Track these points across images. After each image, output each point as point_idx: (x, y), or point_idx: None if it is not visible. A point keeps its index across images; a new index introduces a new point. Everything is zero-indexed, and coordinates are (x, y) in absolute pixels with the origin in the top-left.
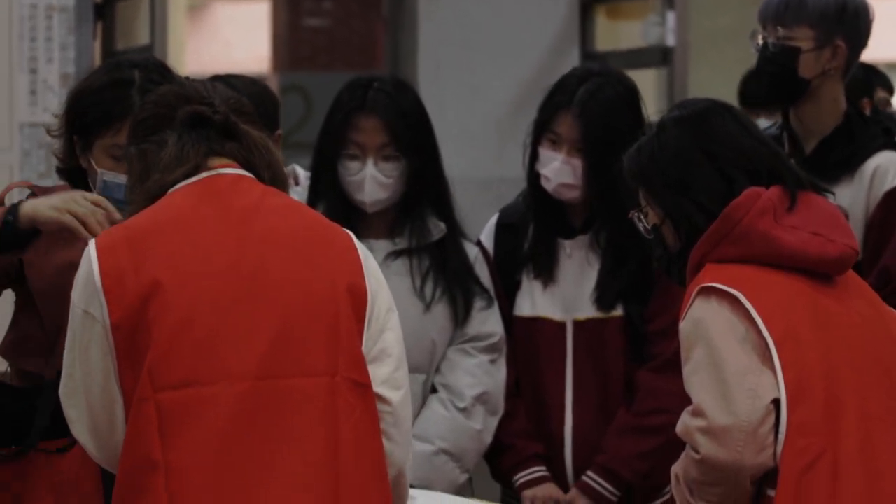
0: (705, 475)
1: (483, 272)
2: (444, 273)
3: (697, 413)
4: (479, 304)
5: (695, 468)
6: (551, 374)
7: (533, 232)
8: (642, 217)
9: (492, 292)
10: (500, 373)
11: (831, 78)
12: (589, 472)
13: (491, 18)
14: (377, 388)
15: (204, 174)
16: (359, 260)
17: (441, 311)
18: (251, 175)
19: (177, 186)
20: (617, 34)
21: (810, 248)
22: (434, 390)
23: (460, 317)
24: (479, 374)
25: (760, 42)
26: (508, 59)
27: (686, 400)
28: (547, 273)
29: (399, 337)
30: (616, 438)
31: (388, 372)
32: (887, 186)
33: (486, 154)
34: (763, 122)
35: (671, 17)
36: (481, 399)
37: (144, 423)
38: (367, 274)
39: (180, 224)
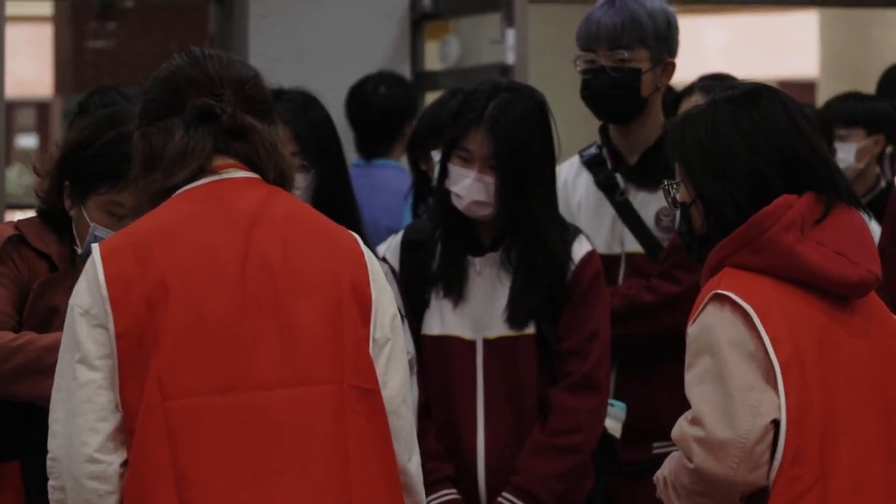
0: (696, 485)
1: (392, 290)
2: None
3: (696, 422)
4: None
5: (686, 476)
6: (462, 393)
7: (441, 249)
8: (673, 189)
9: (401, 310)
10: (413, 392)
11: (659, 92)
12: (504, 493)
13: (322, 35)
14: None
15: (209, 178)
16: (364, 263)
17: None
18: (257, 176)
19: (180, 190)
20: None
21: (832, 269)
22: None
23: None
24: None
25: (586, 65)
26: (340, 76)
27: (598, 419)
28: (457, 291)
29: (402, 345)
30: (531, 458)
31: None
32: None
33: None
34: None
35: (511, 34)
36: None
37: (153, 432)
38: (372, 278)
39: (184, 228)
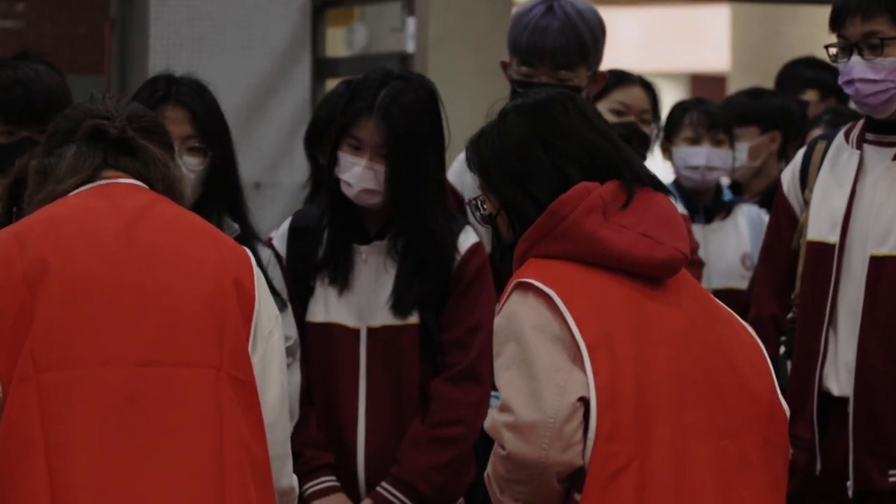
0: (511, 472)
1: (276, 275)
2: None
3: (505, 409)
4: None
5: (501, 464)
6: (344, 381)
7: (328, 237)
8: (480, 205)
9: (285, 296)
10: (295, 377)
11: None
12: (384, 484)
13: (223, 21)
14: None
15: (99, 182)
16: (251, 268)
17: None
18: (145, 186)
19: (71, 194)
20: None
21: (636, 251)
22: None
23: None
24: None
25: (522, 77)
26: (240, 63)
27: (480, 411)
28: (342, 279)
29: (280, 363)
30: (411, 449)
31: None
32: None
33: None
34: None
35: (411, 23)
36: None
37: (24, 404)
38: (257, 287)
39: (69, 216)
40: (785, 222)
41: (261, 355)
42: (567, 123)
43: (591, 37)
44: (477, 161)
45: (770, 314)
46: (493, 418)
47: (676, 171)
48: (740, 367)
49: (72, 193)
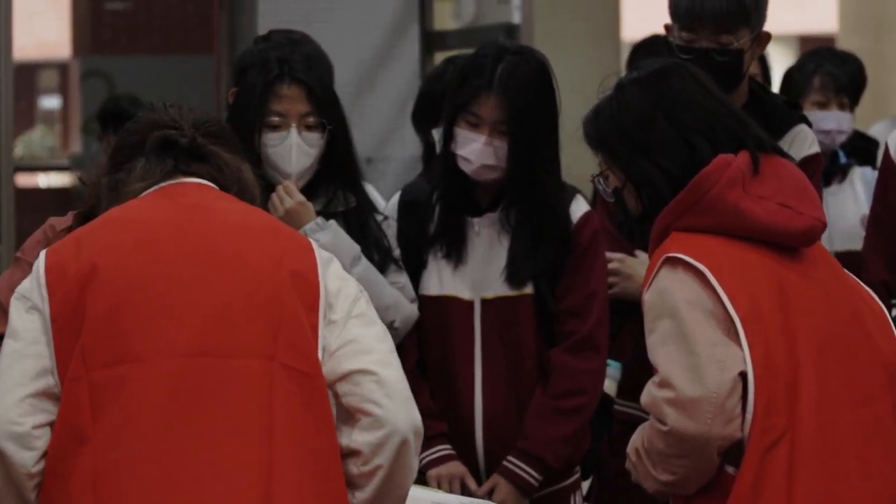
0: (672, 447)
1: (392, 237)
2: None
3: (665, 384)
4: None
5: (661, 440)
6: (460, 353)
7: (440, 210)
8: (602, 181)
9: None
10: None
11: (752, 62)
12: (511, 458)
13: None
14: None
15: (166, 183)
16: (313, 257)
17: None
18: (213, 185)
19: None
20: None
21: (779, 222)
22: None
23: None
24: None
25: (684, 43)
26: (349, 38)
27: (599, 379)
28: (456, 252)
29: (369, 321)
30: (537, 422)
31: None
32: (803, 154)
33: None
34: None
35: None
36: None
37: (76, 402)
38: (322, 270)
39: (125, 216)
40: (892, 186)
41: (343, 329)
42: (685, 92)
43: None
44: (596, 136)
45: (880, 279)
46: (652, 394)
47: None
48: (871, 335)
49: (139, 197)
